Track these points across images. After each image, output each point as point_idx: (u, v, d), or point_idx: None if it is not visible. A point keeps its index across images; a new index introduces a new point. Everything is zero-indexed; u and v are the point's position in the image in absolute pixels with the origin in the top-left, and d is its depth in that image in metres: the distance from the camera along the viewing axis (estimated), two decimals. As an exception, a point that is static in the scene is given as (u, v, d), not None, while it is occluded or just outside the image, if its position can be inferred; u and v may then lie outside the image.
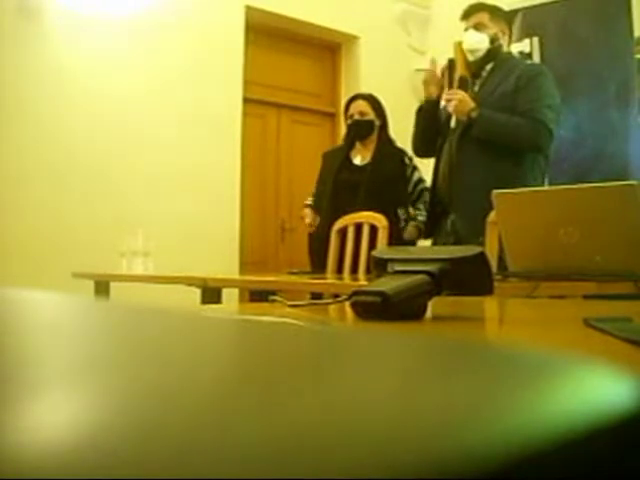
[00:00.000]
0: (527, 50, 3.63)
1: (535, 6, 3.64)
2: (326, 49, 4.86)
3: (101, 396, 0.13)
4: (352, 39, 4.77)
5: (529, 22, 3.65)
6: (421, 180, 2.88)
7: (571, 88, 3.45)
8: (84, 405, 0.12)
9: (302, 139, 4.63)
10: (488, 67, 2.47)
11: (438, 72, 2.56)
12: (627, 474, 0.12)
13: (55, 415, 0.12)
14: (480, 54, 2.45)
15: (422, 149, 2.70)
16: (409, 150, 2.87)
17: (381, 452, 0.10)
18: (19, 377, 0.14)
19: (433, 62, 2.59)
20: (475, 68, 2.50)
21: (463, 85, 2.45)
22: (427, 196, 2.78)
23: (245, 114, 4.23)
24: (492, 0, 2.61)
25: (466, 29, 2.50)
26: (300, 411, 0.12)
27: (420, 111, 2.65)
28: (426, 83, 2.59)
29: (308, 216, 2.93)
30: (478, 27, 2.48)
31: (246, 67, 4.22)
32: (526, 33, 3.65)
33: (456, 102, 2.36)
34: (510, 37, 2.60)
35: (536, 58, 3.60)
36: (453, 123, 2.45)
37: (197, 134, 3.94)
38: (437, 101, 2.57)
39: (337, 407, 0.12)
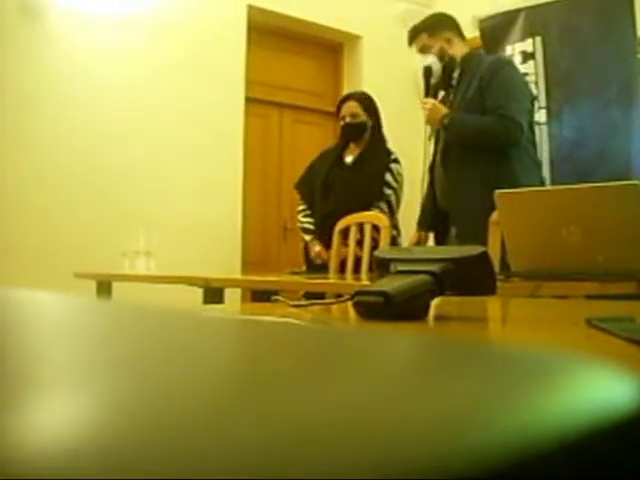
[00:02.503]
0: (530, 50, 3.63)
1: (538, 5, 3.63)
2: (328, 49, 4.86)
3: (103, 396, 0.13)
4: (354, 38, 4.77)
5: (531, 22, 3.64)
6: (388, 184, 2.83)
7: (574, 88, 3.45)
8: (86, 406, 0.12)
9: (304, 139, 4.63)
10: (455, 74, 2.47)
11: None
12: (628, 474, 0.12)
13: (57, 415, 0.12)
14: (438, 74, 2.46)
15: None
16: (399, 152, 2.89)
17: (383, 452, 0.10)
18: (21, 378, 0.14)
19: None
20: (446, 81, 2.50)
21: (435, 93, 2.45)
22: (386, 202, 2.79)
23: (247, 114, 4.23)
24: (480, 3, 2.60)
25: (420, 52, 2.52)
26: (303, 411, 0.12)
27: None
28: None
29: (314, 250, 2.86)
30: (423, 50, 2.50)
31: (248, 67, 4.23)
32: (529, 33, 3.64)
33: (427, 112, 2.37)
34: (461, 35, 2.56)
35: (539, 58, 3.59)
36: (428, 132, 2.46)
37: (199, 134, 3.95)
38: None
39: (339, 407, 0.12)
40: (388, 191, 2.81)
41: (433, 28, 2.52)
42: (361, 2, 4.67)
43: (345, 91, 4.68)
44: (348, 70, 4.86)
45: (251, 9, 4.23)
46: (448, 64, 2.46)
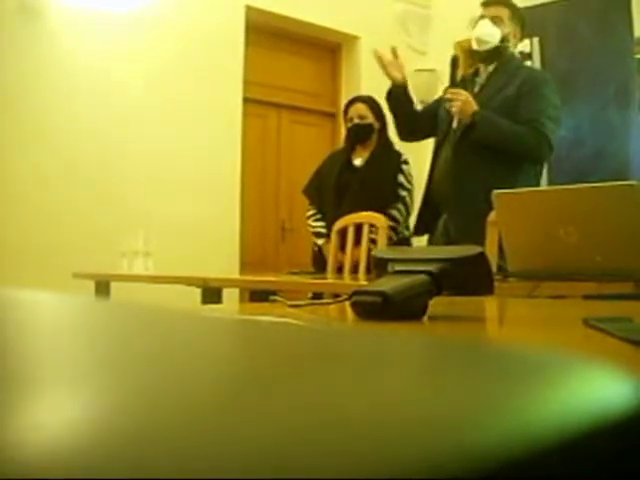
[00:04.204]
0: (527, 50, 3.63)
1: (535, 6, 3.64)
2: (326, 49, 4.86)
3: (101, 396, 0.13)
4: (352, 39, 4.77)
5: (529, 22, 3.64)
6: (402, 185, 2.84)
7: (571, 88, 3.45)
8: (85, 405, 0.12)
9: (302, 139, 4.63)
10: (490, 68, 2.44)
11: (388, 56, 2.52)
12: (627, 474, 0.12)
13: (56, 415, 0.12)
14: (487, 47, 2.41)
15: (403, 133, 2.73)
16: (406, 153, 2.88)
17: (381, 452, 0.10)
18: (20, 377, 0.14)
19: (376, 52, 2.55)
20: (477, 63, 2.48)
21: (465, 85, 2.43)
22: (403, 203, 2.79)
23: (245, 114, 4.22)
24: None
25: (482, 17, 2.44)
26: (300, 411, 0.12)
27: (390, 97, 2.63)
28: (385, 69, 2.55)
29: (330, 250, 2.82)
30: (495, 20, 2.43)
31: (246, 67, 4.22)
32: (526, 33, 3.65)
33: (460, 103, 2.31)
34: (520, 40, 2.56)
35: (536, 58, 3.60)
36: (455, 124, 2.42)
37: (197, 134, 3.94)
38: (405, 85, 2.57)
39: (337, 407, 0.12)
40: (403, 192, 2.82)
41: (517, 14, 2.51)
42: (359, 3, 4.67)
43: (343, 92, 4.68)
44: (346, 71, 4.86)
45: (249, 10, 4.22)
46: (504, 47, 2.43)
